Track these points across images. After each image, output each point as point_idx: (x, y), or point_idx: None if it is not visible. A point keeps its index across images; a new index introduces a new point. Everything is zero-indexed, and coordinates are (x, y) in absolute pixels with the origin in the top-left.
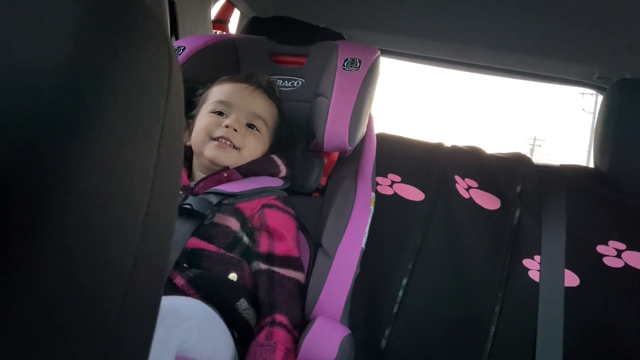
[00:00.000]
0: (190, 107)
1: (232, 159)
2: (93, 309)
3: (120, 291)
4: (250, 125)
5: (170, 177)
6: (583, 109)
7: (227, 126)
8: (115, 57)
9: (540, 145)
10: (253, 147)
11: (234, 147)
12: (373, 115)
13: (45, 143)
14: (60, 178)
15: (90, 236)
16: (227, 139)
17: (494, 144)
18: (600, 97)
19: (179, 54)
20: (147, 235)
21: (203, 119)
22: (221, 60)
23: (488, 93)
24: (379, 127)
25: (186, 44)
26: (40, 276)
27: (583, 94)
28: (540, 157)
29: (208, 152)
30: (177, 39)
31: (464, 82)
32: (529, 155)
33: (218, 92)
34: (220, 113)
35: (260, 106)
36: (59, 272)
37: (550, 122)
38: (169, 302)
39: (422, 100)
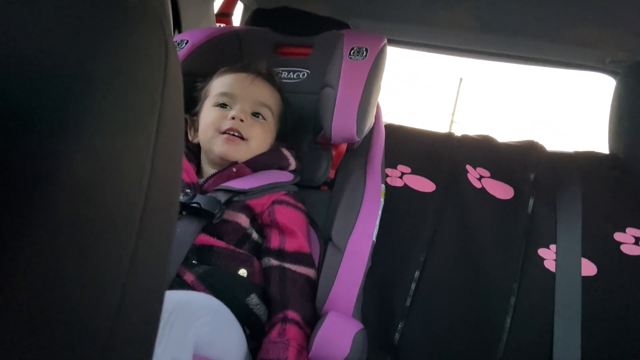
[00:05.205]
0: (192, 104)
1: (242, 152)
2: (84, 316)
3: (115, 295)
4: (256, 114)
5: (169, 171)
6: None
7: (233, 118)
8: (104, 41)
9: None
10: (261, 136)
11: (242, 138)
12: (455, 120)
13: (28, 134)
14: (46, 172)
15: (80, 235)
16: (235, 131)
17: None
18: None
19: (182, 48)
20: (144, 234)
21: (208, 114)
22: (225, 53)
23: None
24: (458, 132)
25: (189, 38)
26: (22, 280)
27: None
28: None
29: (218, 148)
30: (180, 32)
31: (552, 79)
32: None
33: (219, 85)
34: (224, 105)
35: (264, 94)
36: (44, 274)
37: None
38: (181, 297)
39: (507, 101)
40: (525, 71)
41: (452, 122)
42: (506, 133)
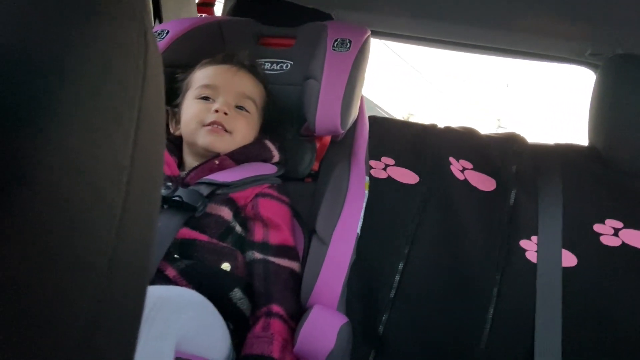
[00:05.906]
0: (173, 95)
1: (226, 144)
2: (62, 316)
3: (93, 299)
4: (240, 107)
5: (149, 167)
6: None
7: (217, 110)
8: (77, 31)
9: None
10: (245, 129)
11: (225, 130)
12: (501, 126)
13: None
14: (18, 173)
15: (54, 238)
16: (219, 124)
17: None
18: None
19: (162, 38)
20: (124, 234)
21: (191, 106)
22: (206, 44)
23: None
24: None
25: (169, 28)
26: None
27: None
28: None
29: (202, 140)
30: (160, 22)
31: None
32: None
33: (201, 76)
34: (207, 98)
35: (247, 86)
36: (19, 276)
37: None
38: (163, 292)
39: (556, 106)
40: (576, 75)
41: (498, 127)
42: (556, 138)
